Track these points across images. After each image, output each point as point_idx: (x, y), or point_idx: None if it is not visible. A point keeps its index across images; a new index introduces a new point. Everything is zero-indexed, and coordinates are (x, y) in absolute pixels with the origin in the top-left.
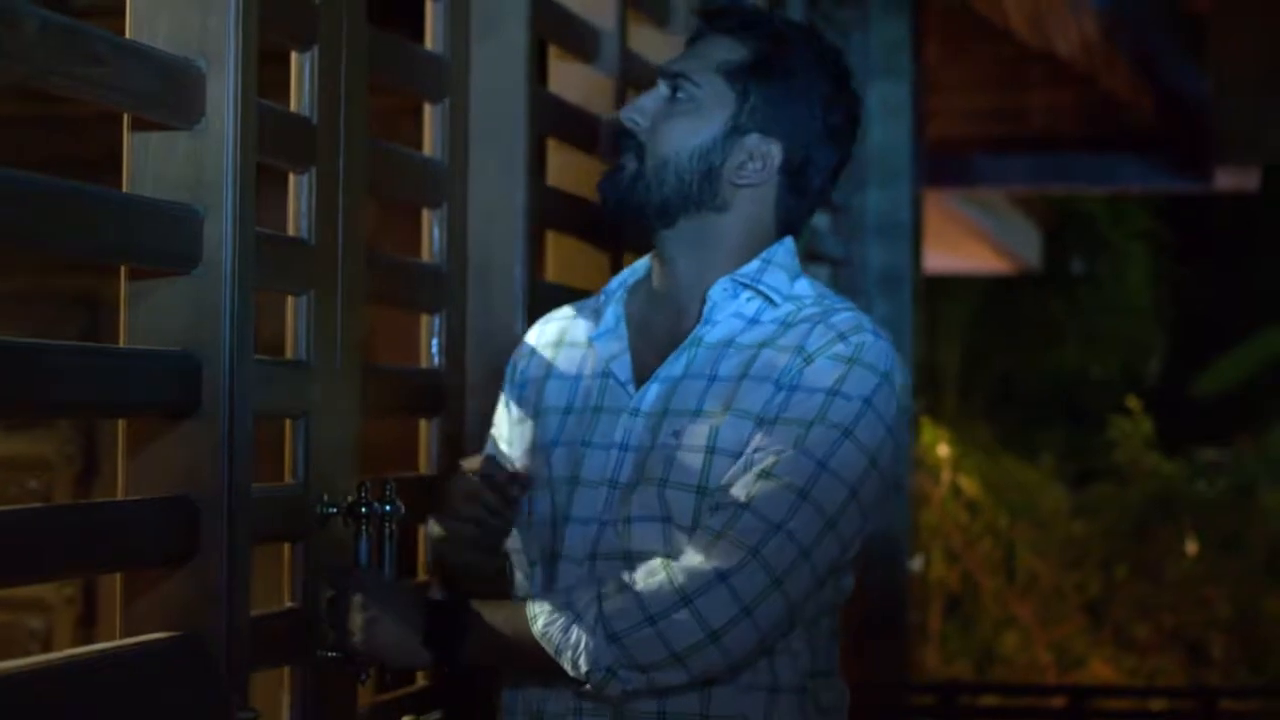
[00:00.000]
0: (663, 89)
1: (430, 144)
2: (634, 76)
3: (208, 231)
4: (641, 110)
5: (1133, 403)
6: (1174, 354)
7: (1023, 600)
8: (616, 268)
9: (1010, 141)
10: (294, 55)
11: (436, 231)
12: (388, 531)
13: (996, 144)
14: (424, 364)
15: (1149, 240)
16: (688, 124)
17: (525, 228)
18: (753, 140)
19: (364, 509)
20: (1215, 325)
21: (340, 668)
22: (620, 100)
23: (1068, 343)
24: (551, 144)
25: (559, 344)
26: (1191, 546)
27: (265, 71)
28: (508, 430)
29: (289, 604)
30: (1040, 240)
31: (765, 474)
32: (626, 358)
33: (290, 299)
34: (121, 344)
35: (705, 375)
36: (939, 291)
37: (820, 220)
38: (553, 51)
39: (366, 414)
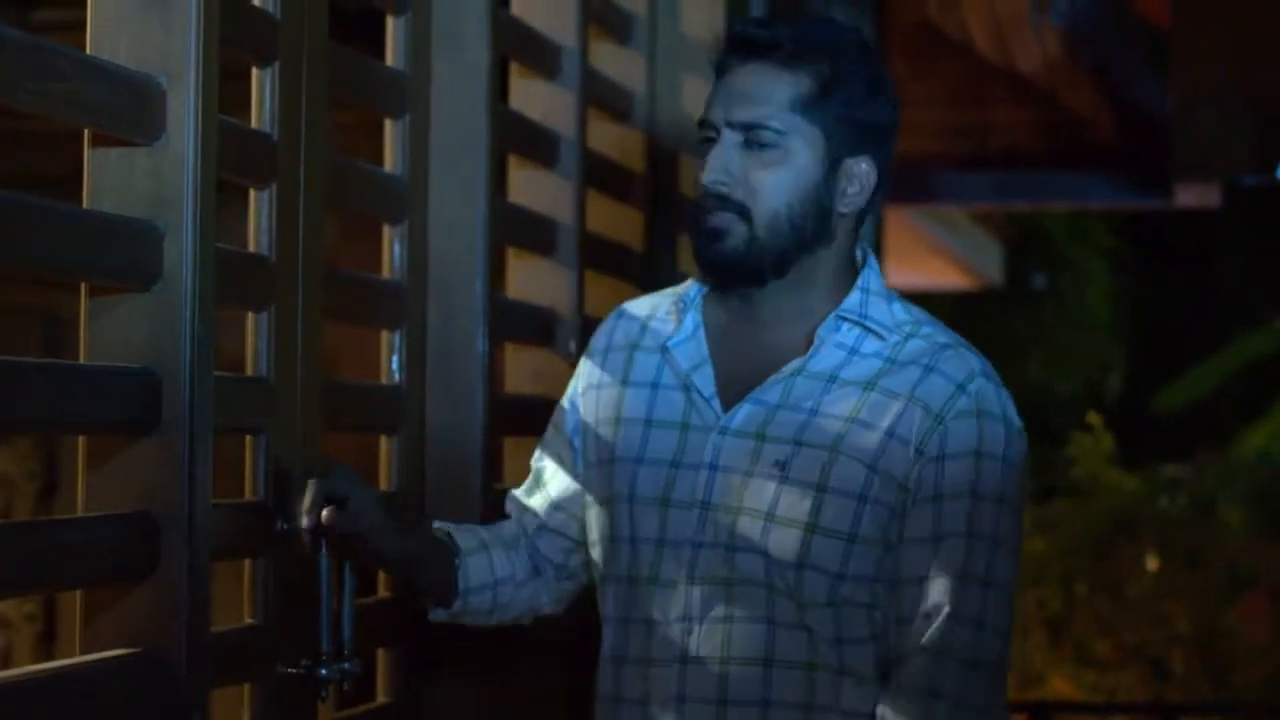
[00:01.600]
0: (731, 139)
1: (391, 160)
2: (595, 93)
3: (168, 248)
4: (726, 171)
5: (1094, 419)
6: (1135, 370)
7: None
8: (578, 284)
9: (972, 158)
10: (255, 71)
11: (397, 247)
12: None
13: (959, 161)
14: (384, 380)
15: (1110, 256)
16: (786, 173)
17: (486, 244)
18: (848, 164)
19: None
20: (1177, 341)
21: (301, 684)
22: (582, 117)
23: (1029, 359)
24: (512, 160)
25: (635, 346)
26: (1152, 563)
27: (226, 88)
28: (575, 434)
29: (249, 620)
30: (1002, 256)
31: (958, 574)
32: (708, 370)
33: (251, 315)
34: (82, 360)
35: (806, 408)
36: None
37: None
38: (514, 68)
39: (327, 430)
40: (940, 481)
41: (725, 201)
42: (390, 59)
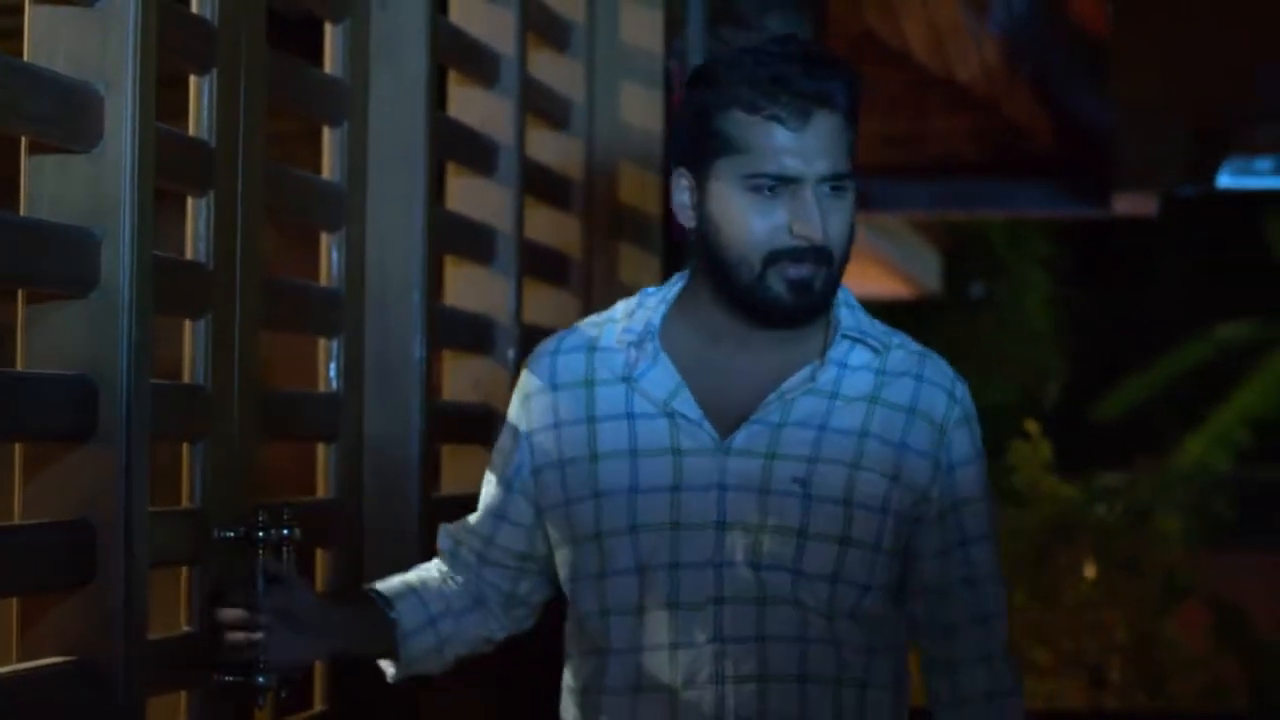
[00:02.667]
0: (815, 192)
1: (329, 168)
2: (534, 102)
3: (105, 255)
4: (820, 225)
5: (1031, 427)
6: (1073, 378)
7: None
8: (517, 293)
9: (910, 167)
10: (193, 78)
11: (335, 255)
12: (285, 556)
13: (897, 170)
14: (322, 388)
15: (1048, 265)
16: (850, 214)
17: (424, 252)
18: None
19: (261, 534)
20: (1114, 349)
21: (238, 691)
22: (520, 126)
23: (967, 367)
24: (451, 168)
25: (591, 382)
26: (1090, 571)
27: (164, 95)
28: (517, 474)
29: (186, 628)
30: (940, 265)
31: (988, 578)
32: (688, 394)
33: (188, 323)
34: (19, 367)
35: (815, 425)
36: None
37: None
38: (452, 76)
39: (264, 438)
40: (957, 489)
41: (819, 252)
42: (329, 67)
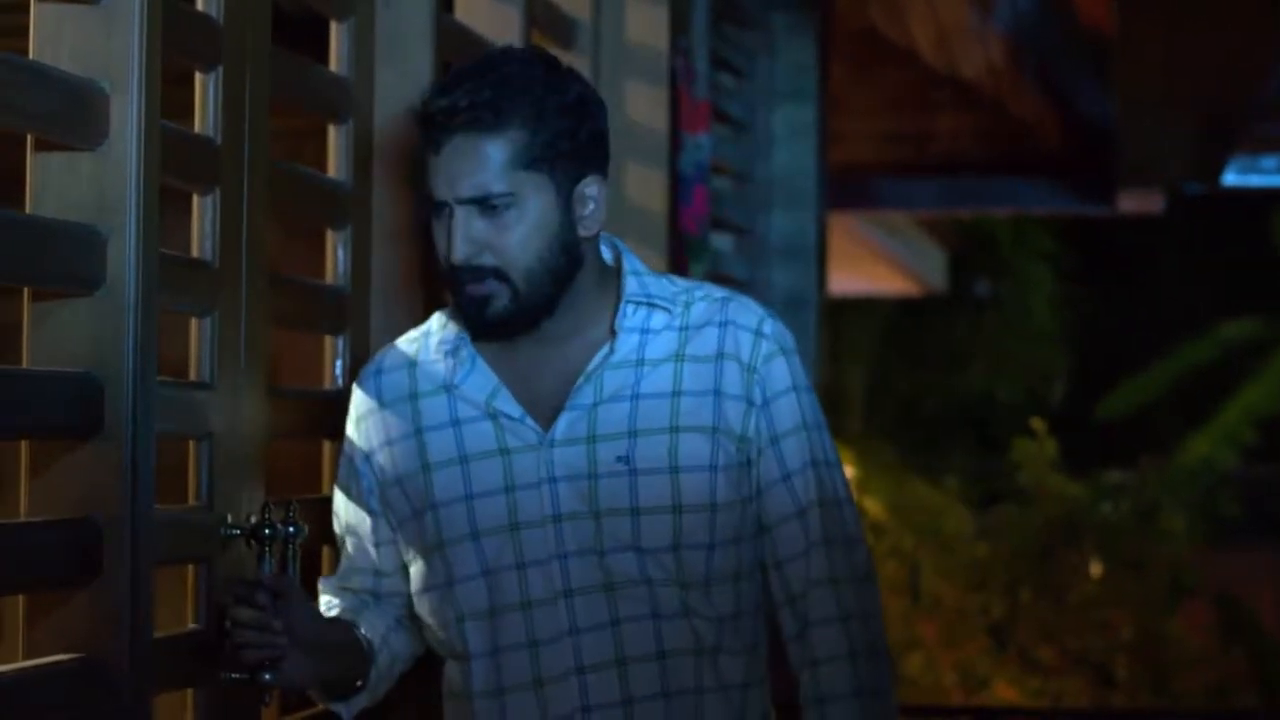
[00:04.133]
0: (465, 213)
1: (334, 165)
2: None
3: (111, 253)
4: (470, 242)
5: (1037, 425)
6: (1079, 376)
7: (927, 622)
8: None
9: (916, 165)
10: (198, 76)
11: (340, 253)
12: (291, 553)
13: (903, 167)
14: (327, 385)
15: (1053, 263)
16: (527, 227)
17: (428, 249)
18: (579, 191)
19: (267, 531)
20: (1120, 348)
21: (244, 689)
22: None
23: (973, 365)
24: None
25: (414, 396)
26: (1095, 569)
27: (169, 93)
28: (370, 496)
29: (192, 626)
30: (946, 263)
31: (820, 504)
32: (506, 393)
33: (194, 320)
34: (24, 365)
35: (626, 396)
36: (844, 313)
37: (725, 243)
38: None
39: (270, 435)
40: (775, 423)
41: (479, 270)
42: (333, 64)
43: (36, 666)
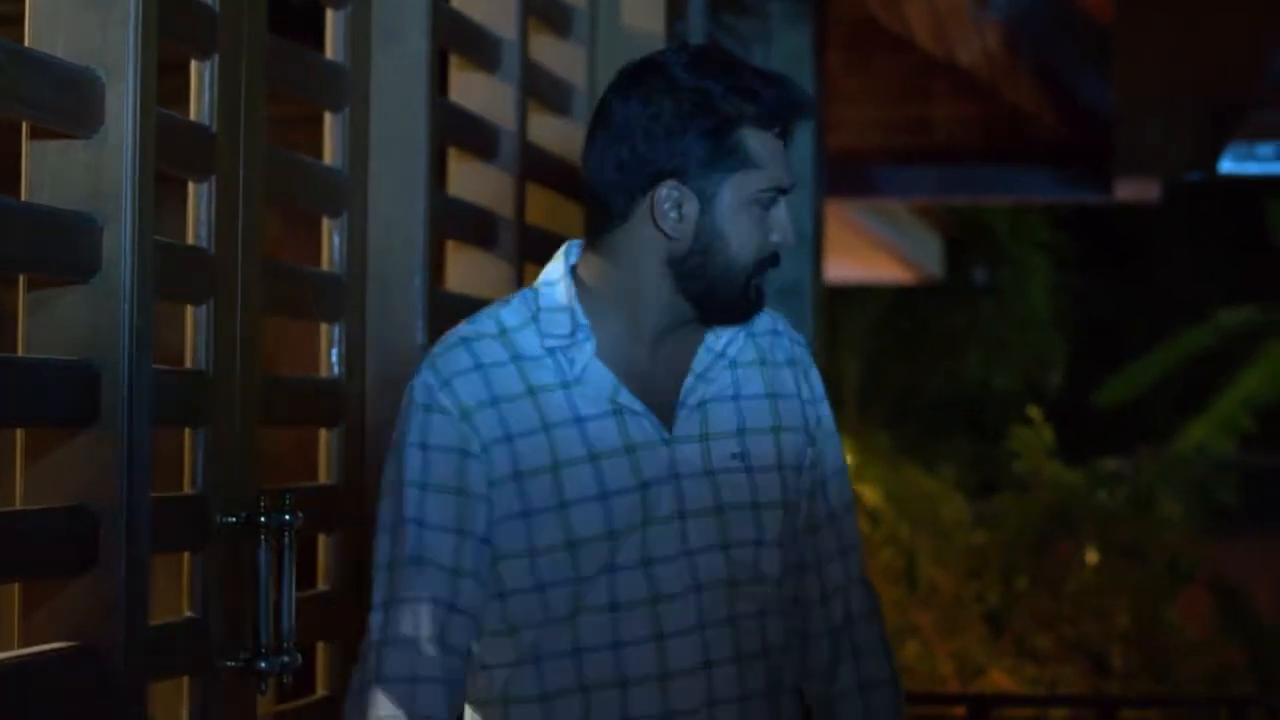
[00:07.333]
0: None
1: (330, 153)
2: (535, 86)
3: (107, 241)
4: None
5: (1034, 412)
6: (1076, 364)
7: (923, 610)
8: (518, 278)
9: (913, 153)
10: (194, 64)
11: (336, 240)
12: (287, 541)
13: (899, 155)
14: (324, 373)
15: (1050, 251)
16: None
17: (425, 237)
18: None
19: (263, 519)
20: (1117, 336)
21: (241, 677)
22: (522, 111)
23: (969, 353)
24: (452, 153)
25: (531, 391)
26: (1092, 557)
27: (165, 80)
28: (480, 489)
29: (188, 614)
30: (942, 250)
31: (849, 509)
32: (626, 390)
33: (190, 308)
34: (20, 353)
35: (728, 396)
36: (840, 301)
37: None
38: (454, 61)
39: (266, 424)
40: (824, 426)
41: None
42: (330, 52)
43: (33, 654)
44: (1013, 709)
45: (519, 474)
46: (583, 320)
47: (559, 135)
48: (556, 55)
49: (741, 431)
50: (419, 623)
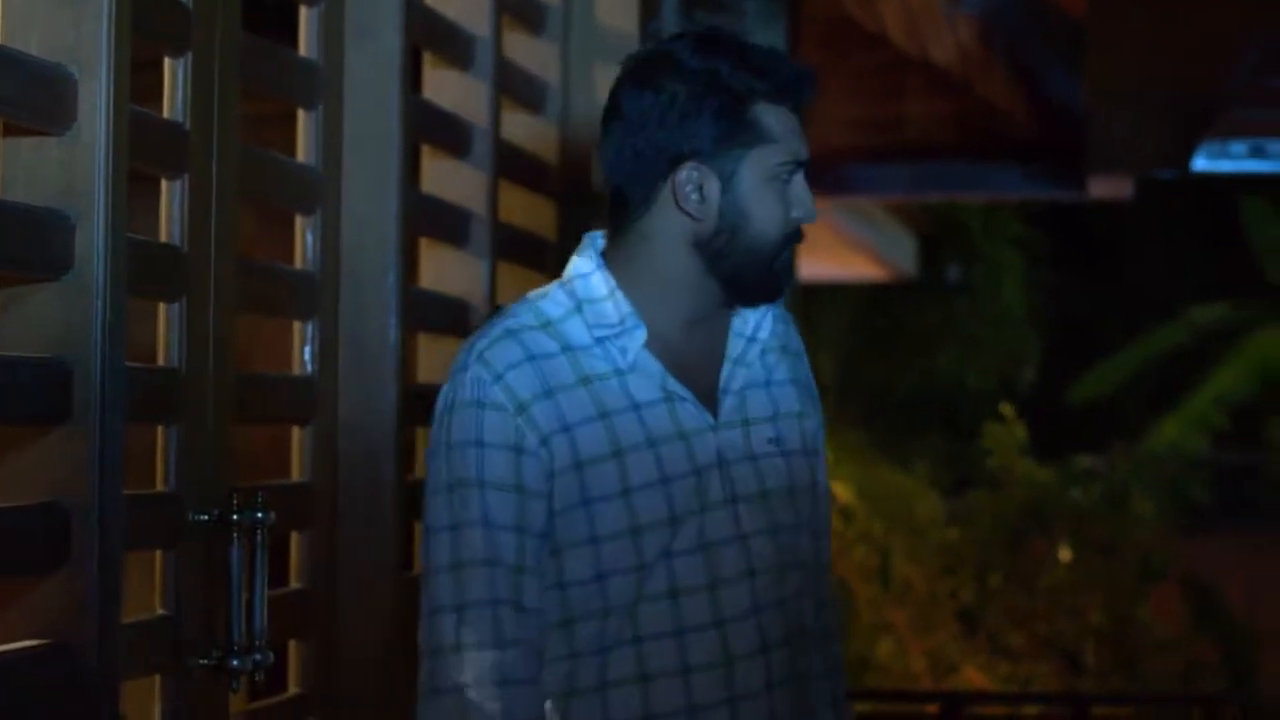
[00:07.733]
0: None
1: (304, 150)
2: (509, 84)
3: (79, 238)
4: None
5: (1006, 410)
6: (1049, 361)
7: (897, 607)
8: (491, 275)
9: (886, 150)
10: (167, 61)
11: (309, 238)
12: (259, 539)
13: (873, 153)
14: (297, 371)
15: (1023, 248)
16: None
17: (398, 235)
18: None
19: (235, 517)
20: (1090, 333)
21: (213, 675)
22: (495, 108)
23: (943, 350)
24: (425, 151)
25: (585, 380)
26: (1065, 554)
27: (138, 77)
28: (540, 482)
29: (160, 611)
30: (916, 248)
31: (828, 492)
32: (673, 377)
33: (163, 306)
34: None
35: (761, 382)
36: (815, 299)
37: None
38: (427, 58)
39: (239, 421)
40: (816, 406)
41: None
42: (303, 49)
43: (4, 651)
44: (986, 706)
45: (580, 463)
46: (628, 309)
47: (532, 133)
48: (530, 53)
49: (775, 417)
50: (499, 625)
